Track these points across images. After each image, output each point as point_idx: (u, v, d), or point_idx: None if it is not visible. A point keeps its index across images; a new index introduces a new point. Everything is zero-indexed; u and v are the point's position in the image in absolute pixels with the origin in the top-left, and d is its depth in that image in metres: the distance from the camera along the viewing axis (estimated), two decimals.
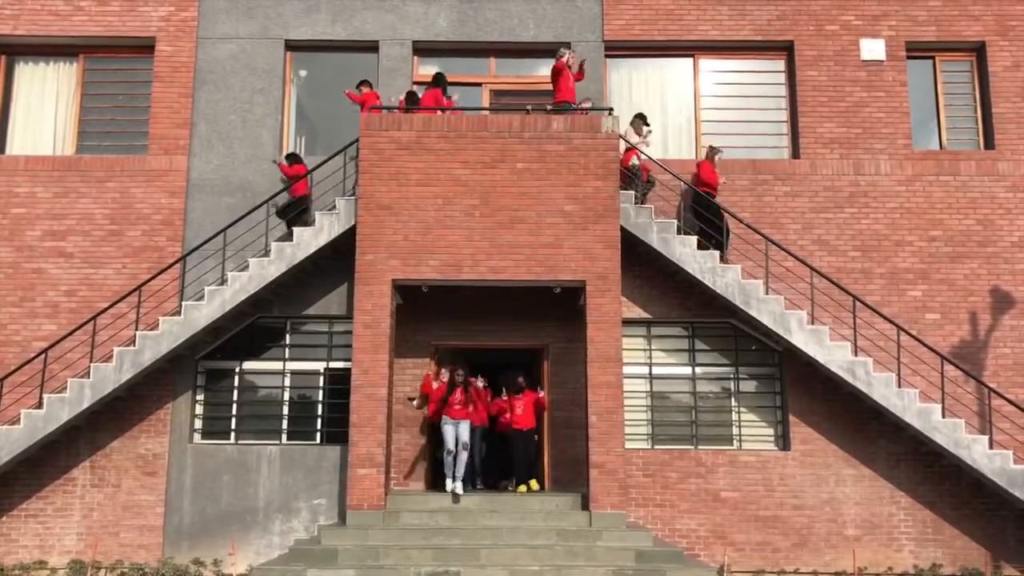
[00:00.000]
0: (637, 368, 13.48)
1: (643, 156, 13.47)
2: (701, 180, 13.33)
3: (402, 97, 13.40)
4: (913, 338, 12.89)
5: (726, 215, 13.25)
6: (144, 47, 14.42)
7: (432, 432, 13.25)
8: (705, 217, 13.16)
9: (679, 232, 13.02)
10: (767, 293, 12.78)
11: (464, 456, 12.27)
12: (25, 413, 12.30)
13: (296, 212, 13.39)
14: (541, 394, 12.96)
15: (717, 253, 12.67)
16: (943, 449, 12.21)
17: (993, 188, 13.93)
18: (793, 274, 13.35)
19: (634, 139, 13.57)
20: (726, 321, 13.41)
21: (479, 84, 14.13)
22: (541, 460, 13.25)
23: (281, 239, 13.21)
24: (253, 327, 13.58)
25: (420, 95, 13.31)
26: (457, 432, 12.41)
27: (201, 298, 12.72)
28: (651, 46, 14.51)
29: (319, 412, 13.46)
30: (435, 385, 12.81)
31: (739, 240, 13.52)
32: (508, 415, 12.89)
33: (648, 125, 13.78)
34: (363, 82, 13.73)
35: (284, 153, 13.93)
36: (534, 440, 12.99)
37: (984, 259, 13.73)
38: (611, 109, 13.09)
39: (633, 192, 13.01)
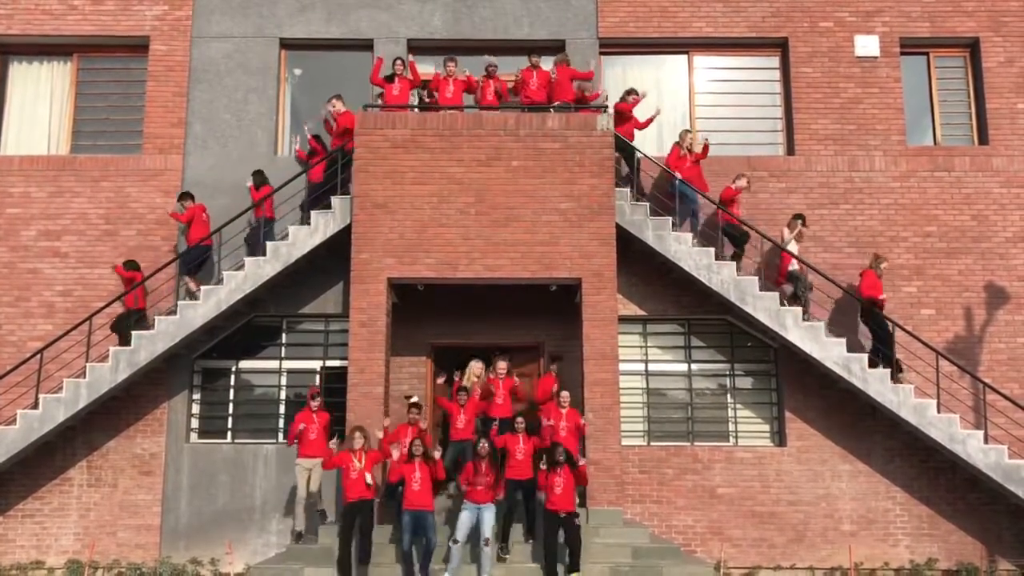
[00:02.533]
0: (633, 365, 13.48)
1: (791, 253, 13.01)
2: (865, 291, 12.71)
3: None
4: (908, 334, 12.91)
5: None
6: (138, 46, 14.39)
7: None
8: (873, 330, 12.75)
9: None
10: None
11: (488, 551, 10.34)
12: (21, 413, 12.29)
13: (126, 324, 12.79)
14: (582, 461, 11.13)
15: (712, 250, 12.68)
16: (938, 444, 12.24)
17: (987, 184, 13.95)
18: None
19: (791, 245, 13.02)
20: (722, 318, 13.43)
21: (477, 80, 14.06)
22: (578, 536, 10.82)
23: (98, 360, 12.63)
24: (249, 326, 13.57)
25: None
26: (480, 520, 10.48)
27: (197, 297, 12.70)
28: (646, 43, 14.51)
29: None
30: (395, 455, 10.87)
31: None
32: (544, 492, 10.84)
33: (805, 225, 13.12)
34: (185, 195, 13.31)
35: (124, 260, 13.25)
36: (575, 525, 10.64)
37: (979, 255, 13.76)
38: (605, 107, 13.11)
39: (787, 297, 12.65)
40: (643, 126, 13.55)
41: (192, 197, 13.30)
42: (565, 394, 11.73)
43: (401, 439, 11.22)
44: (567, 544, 10.54)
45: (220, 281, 12.73)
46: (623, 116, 13.25)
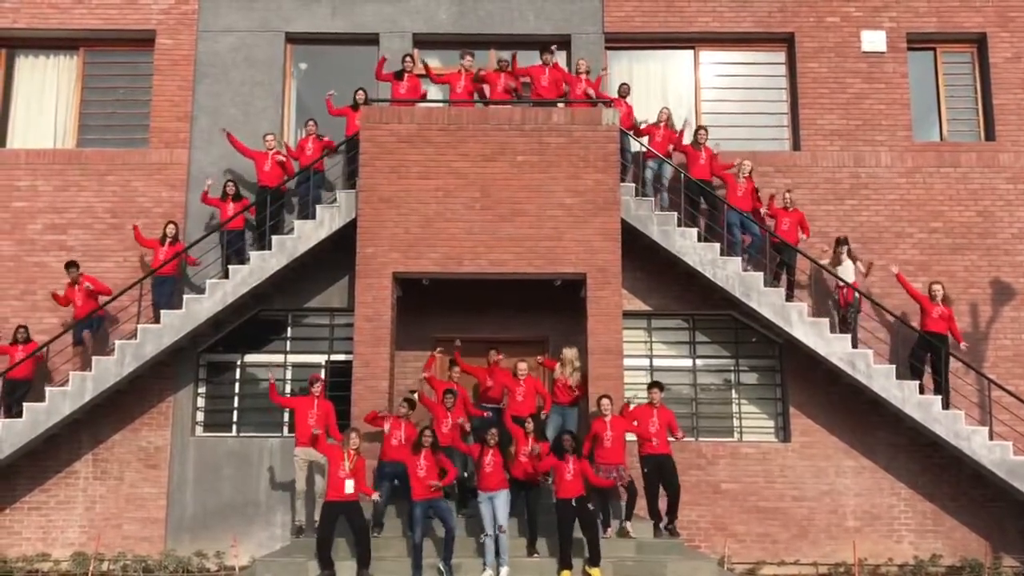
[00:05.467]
0: (638, 360, 13.50)
1: (840, 280, 12.96)
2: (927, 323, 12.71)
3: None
4: (913, 330, 12.89)
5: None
6: (144, 40, 14.41)
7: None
8: (933, 363, 12.73)
9: (680, 224, 12.99)
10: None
11: (504, 539, 10.34)
12: (27, 406, 12.32)
13: (15, 397, 12.60)
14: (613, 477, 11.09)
15: (717, 245, 12.66)
16: (943, 440, 12.23)
17: (994, 180, 13.93)
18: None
19: (850, 276, 12.90)
20: (726, 313, 13.42)
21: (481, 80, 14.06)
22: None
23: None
24: (255, 320, 13.59)
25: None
26: (494, 508, 10.46)
27: (202, 291, 12.73)
28: (651, 38, 14.50)
29: None
30: (387, 428, 11.28)
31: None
32: (553, 480, 10.72)
33: (841, 246, 13.01)
34: (71, 264, 12.85)
35: None
36: (592, 515, 10.46)
37: (984, 251, 13.74)
38: (610, 101, 13.09)
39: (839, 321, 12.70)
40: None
41: (77, 266, 13.00)
42: (605, 401, 11.34)
43: (393, 430, 11.37)
44: (585, 536, 10.34)
45: (111, 351, 12.58)
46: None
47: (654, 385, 11.89)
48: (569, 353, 12.12)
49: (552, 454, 10.76)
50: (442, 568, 10.39)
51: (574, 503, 10.42)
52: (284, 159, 13.27)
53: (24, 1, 14.35)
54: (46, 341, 12.88)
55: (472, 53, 13.49)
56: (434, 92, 14.18)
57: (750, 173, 13.20)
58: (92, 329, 12.92)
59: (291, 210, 13.52)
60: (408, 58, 13.42)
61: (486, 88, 13.34)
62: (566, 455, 10.60)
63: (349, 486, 10.45)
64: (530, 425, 11.09)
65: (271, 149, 13.31)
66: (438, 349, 12.63)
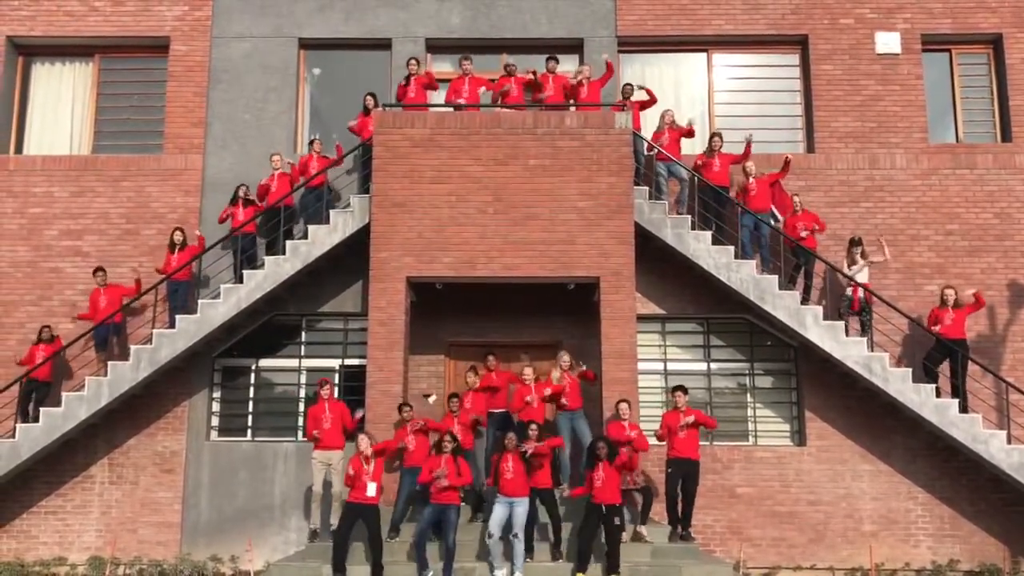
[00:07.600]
0: (652, 364, 13.45)
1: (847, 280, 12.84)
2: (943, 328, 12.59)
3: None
4: (929, 333, 12.80)
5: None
6: (159, 47, 14.50)
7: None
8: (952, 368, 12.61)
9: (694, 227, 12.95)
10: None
11: (520, 546, 10.25)
12: (44, 411, 12.40)
13: (37, 399, 12.72)
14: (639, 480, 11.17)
15: (731, 248, 12.62)
16: (960, 444, 12.14)
17: (1010, 181, 13.82)
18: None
19: (863, 277, 12.81)
20: (741, 317, 13.37)
21: (492, 80, 14.08)
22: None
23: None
24: (269, 325, 13.64)
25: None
26: (512, 514, 10.36)
27: (217, 296, 12.78)
28: (664, 41, 14.47)
29: None
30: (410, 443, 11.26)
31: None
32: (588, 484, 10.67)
33: (856, 245, 12.87)
34: (99, 269, 13.11)
35: None
36: (615, 525, 10.40)
37: (1001, 253, 13.63)
38: (623, 105, 13.06)
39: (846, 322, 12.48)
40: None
41: (105, 271, 13.15)
42: (623, 406, 11.39)
43: (404, 439, 11.43)
44: (606, 543, 10.36)
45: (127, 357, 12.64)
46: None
47: (678, 389, 11.84)
48: (564, 356, 12.13)
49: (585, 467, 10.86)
50: None
51: (604, 510, 10.39)
52: (272, 179, 13.32)
53: (40, 9, 14.47)
54: (65, 344, 12.96)
55: (470, 58, 13.47)
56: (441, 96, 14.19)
57: (755, 171, 13.12)
58: (113, 334, 13.00)
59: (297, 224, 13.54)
60: (413, 61, 13.43)
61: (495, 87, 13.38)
62: (599, 463, 10.54)
63: (371, 489, 10.49)
64: (534, 431, 10.92)
65: (277, 169, 13.37)
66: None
